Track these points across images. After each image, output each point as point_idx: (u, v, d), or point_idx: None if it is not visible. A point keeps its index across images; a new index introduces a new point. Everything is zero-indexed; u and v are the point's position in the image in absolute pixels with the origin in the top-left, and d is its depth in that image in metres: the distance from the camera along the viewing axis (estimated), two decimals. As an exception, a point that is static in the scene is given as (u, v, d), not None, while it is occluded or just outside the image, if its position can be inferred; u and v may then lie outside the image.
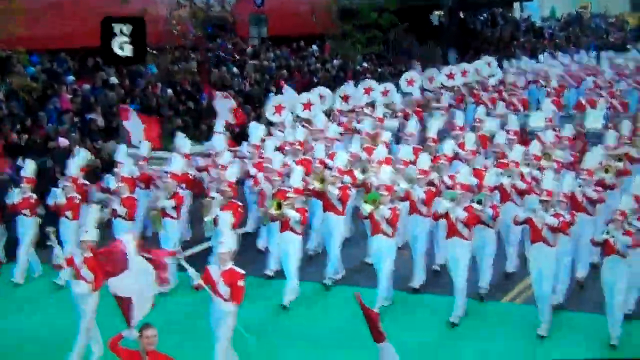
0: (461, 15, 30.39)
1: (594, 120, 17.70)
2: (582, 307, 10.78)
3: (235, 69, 21.74)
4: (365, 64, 24.63)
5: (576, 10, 41.08)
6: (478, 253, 10.99)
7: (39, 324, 10.60)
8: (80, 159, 13.17)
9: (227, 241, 8.64)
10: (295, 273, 10.94)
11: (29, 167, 12.43)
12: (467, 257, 10.45)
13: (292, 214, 10.61)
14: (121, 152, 13.71)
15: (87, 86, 18.15)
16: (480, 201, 10.37)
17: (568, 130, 15.58)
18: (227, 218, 10.11)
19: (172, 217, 11.59)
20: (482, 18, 34.31)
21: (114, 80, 18.66)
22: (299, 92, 19.13)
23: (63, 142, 15.20)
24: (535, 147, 13.69)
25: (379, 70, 25.14)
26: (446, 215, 10.48)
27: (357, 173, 12.88)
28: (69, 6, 20.65)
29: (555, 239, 10.06)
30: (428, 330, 10.16)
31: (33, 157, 13.15)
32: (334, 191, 11.71)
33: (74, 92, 17.57)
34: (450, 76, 21.81)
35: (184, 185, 12.73)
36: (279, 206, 10.51)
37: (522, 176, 12.19)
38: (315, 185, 11.83)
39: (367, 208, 10.59)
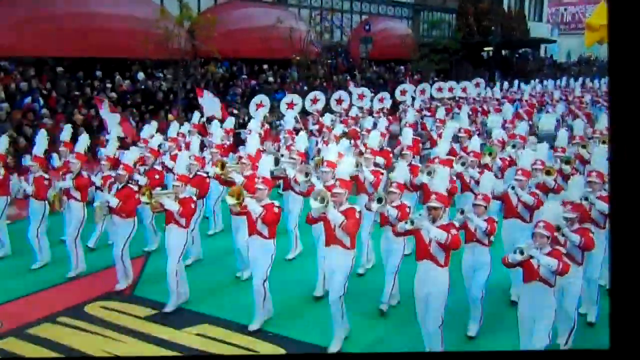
0: (503, 52, 35.32)
1: (547, 122, 16.53)
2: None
3: (348, 77, 26.01)
4: (436, 79, 27.76)
5: (584, 54, 44.88)
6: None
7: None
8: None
9: None
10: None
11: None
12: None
13: (253, 207, 7.78)
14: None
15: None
16: (381, 199, 7.52)
17: (521, 129, 12.80)
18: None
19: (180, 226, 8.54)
20: (517, 55, 39.23)
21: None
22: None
23: None
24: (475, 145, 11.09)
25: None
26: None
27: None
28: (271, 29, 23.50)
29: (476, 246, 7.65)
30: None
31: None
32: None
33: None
34: (439, 89, 21.94)
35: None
36: (239, 196, 7.70)
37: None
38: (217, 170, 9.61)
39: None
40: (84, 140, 10.89)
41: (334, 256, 7.46)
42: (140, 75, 20.34)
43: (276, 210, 7.99)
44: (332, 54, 27.58)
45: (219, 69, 22.09)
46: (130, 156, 9.99)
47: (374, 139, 11.17)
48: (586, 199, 8.08)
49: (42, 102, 16.92)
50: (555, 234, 6.71)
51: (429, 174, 9.11)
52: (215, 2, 24.07)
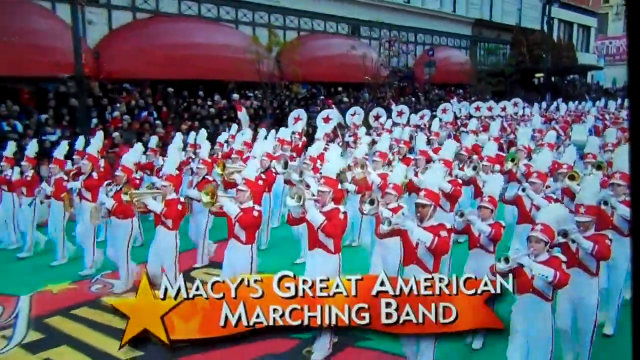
0: (553, 78, 36.22)
1: (579, 132, 15.27)
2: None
3: (413, 99, 27.41)
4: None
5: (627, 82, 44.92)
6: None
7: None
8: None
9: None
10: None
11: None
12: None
13: (228, 207, 7.13)
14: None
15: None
16: (373, 201, 6.62)
17: (550, 137, 12.40)
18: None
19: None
20: (566, 81, 40.00)
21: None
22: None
23: None
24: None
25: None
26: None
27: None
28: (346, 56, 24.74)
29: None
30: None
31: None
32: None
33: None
34: (477, 108, 21.61)
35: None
36: (213, 195, 7.20)
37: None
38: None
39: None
40: (98, 142, 10.55)
41: (317, 260, 6.56)
42: (235, 96, 22.04)
43: (255, 214, 7.15)
44: (399, 77, 28.84)
45: (302, 90, 23.68)
46: (130, 158, 9.46)
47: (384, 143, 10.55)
48: (606, 202, 7.08)
49: (155, 115, 18.80)
50: (562, 240, 5.76)
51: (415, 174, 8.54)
52: (298, 34, 25.90)
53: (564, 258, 5.41)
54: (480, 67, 34.11)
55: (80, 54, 16.29)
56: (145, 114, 18.69)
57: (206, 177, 9.86)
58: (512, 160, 9.62)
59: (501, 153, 11.33)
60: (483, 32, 36.40)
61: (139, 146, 10.98)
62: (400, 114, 19.35)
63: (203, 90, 21.36)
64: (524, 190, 7.84)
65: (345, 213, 6.69)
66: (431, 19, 32.97)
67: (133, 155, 9.83)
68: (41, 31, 17.79)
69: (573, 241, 5.92)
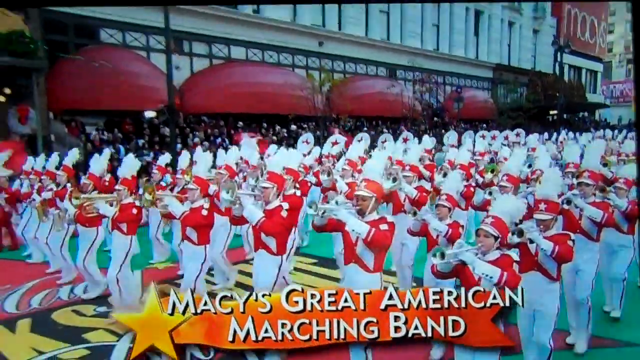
0: (565, 115, 37.91)
1: (571, 152, 11.15)
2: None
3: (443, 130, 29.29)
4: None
5: (631, 120, 46.18)
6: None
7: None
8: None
9: None
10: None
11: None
12: None
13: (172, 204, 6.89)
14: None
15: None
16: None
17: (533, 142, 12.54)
18: None
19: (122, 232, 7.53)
20: (577, 118, 41.68)
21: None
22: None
23: None
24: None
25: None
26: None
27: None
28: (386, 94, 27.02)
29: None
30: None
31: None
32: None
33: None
34: (482, 137, 20.95)
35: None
36: (151, 192, 6.91)
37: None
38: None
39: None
40: (73, 154, 10.06)
41: (257, 261, 5.98)
42: (293, 127, 24.23)
43: (204, 212, 6.65)
44: (432, 111, 30.50)
45: (348, 122, 25.80)
46: (97, 167, 8.77)
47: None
48: (569, 202, 6.07)
49: (228, 142, 20.72)
50: (517, 239, 4.98)
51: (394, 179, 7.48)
52: (344, 75, 28.11)
53: (516, 257, 4.55)
54: (501, 104, 35.90)
55: (172, 92, 18.25)
56: (219, 140, 20.92)
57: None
58: (492, 171, 9.08)
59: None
60: (503, 75, 37.42)
61: (101, 157, 9.40)
62: (405, 140, 17.23)
63: (266, 121, 23.52)
64: (490, 193, 7.12)
65: (287, 210, 5.82)
66: (457, 64, 34.67)
67: (99, 164, 8.91)
68: (141, 74, 20.08)
69: (531, 241, 5.12)
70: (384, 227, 5.00)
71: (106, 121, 19.90)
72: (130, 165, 8.09)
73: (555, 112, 35.98)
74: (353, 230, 4.98)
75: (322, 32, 26.98)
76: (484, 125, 32.77)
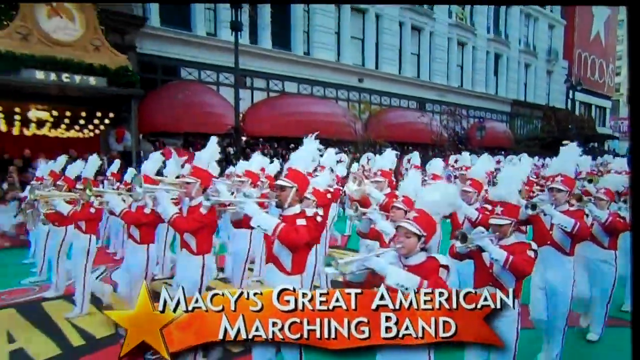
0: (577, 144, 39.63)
1: None
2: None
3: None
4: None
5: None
6: None
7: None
8: None
9: None
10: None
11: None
12: None
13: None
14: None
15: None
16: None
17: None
18: None
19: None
20: (587, 148, 43.40)
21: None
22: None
23: None
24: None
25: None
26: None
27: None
28: (416, 123, 28.98)
29: None
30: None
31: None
32: None
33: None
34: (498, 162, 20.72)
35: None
36: (90, 189, 6.83)
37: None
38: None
39: None
40: (61, 161, 9.48)
41: (179, 262, 5.56)
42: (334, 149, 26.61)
43: (147, 211, 6.15)
44: (458, 138, 32.08)
45: (387, 146, 28.25)
46: (73, 170, 8.46)
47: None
48: (534, 207, 5.14)
49: (281, 160, 23.48)
50: (459, 244, 4.28)
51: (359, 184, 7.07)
52: (380, 107, 30.76)
53: (444, 278, 3.64)
54: (518, 135, 38.14)
55: (238, 119, 21.38)
56: (275, 160, 23.61)
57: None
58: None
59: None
60: (520, 110, 39.44)
61: (82, 162, 8.94)
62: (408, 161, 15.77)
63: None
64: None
65: (202, 206, 5.21)
66: (478, 99, 36.66)
67: (77, 168, 8.54)
68: (212, 104, 22.85)
69: (482, 250, 4.28)
70: (300, 221, 4.39)
71: (184, 142, 22.75)
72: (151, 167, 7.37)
73: (567, 142, 37.58)
74: (258, 226, 4.36)
75: (362, 70, 29.47)
76: (503, 152, 34.86)
